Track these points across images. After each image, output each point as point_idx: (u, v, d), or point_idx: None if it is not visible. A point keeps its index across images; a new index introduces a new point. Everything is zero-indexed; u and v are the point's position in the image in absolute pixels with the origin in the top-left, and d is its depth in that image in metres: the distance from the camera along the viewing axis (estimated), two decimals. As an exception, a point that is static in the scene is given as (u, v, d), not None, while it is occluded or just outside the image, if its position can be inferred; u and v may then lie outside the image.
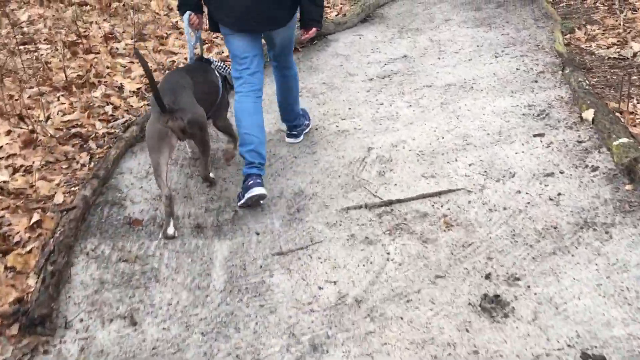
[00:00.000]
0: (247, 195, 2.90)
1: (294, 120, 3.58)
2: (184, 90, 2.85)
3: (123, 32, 5.96)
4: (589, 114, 3.27)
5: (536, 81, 4.22)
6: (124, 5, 6.83)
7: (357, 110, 4.24)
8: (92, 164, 3.33)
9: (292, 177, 3.36)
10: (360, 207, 3.00)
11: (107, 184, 3.22)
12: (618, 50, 4.35)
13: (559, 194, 2.78)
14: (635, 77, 3.85)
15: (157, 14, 6.59)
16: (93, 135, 3.65)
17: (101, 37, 5.72)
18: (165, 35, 5.87)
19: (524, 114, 3.71)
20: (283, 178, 3.36)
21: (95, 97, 4.18)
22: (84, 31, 5.96)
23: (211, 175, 3.22)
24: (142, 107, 4.20)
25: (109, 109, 4.01)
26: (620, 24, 4.97)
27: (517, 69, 4.59)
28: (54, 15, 6.45)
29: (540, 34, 5.42)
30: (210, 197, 3.19)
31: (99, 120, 3.87)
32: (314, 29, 3.03)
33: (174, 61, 5.20)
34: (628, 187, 2.63)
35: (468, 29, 6.04)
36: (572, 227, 2.58)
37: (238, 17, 2.87)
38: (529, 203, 2.78)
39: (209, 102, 3.12)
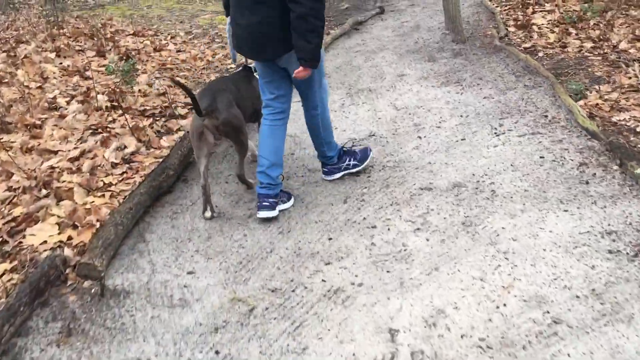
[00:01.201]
0: (257, 216, 3.09)
1: (323, 156, 3.40)
2: (223, 93, 3.06)
3: (-24, 122, 4.21)
4: None
5: (587, 182, 3.03)
6: (-21, 78, 5.05)
7: (341, 241, 2.85)
8: None
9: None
10: None
11: None
12: (672, 128, 3.27)
13: None
14: None
15: (27, 87, 4.88)
16: None
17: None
18: (38, 122, 4.19)
19: (610, 252, 2.47)
20: None
21: None
22: None
23: (249, 180, 3.38)
24: None
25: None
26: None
27: (540, 157, 3.40)
28: None
29: (537, 98, 4.31)
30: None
31: None
32: (306, 70, 2.75)
33: (53, 168, 3.56)
34: None
35: (435, 89, 4.86)
36: None
37: (240, 46, 2.95)
38: None
39: (250, 106, 3.36)
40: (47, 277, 2.47)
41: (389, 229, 2.92)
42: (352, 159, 3.45)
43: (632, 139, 3.33)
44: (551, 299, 2.26)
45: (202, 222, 3.14)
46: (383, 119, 4.39)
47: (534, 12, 6.68)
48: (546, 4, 6.88)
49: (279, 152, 3.09)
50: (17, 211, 3.09)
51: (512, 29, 6.30)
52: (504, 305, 2.27)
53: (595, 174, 3.08)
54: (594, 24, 5.84)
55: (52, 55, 5.93)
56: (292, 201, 3.25)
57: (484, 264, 2.53)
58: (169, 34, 7.39)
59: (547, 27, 6.05)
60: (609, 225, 2.63)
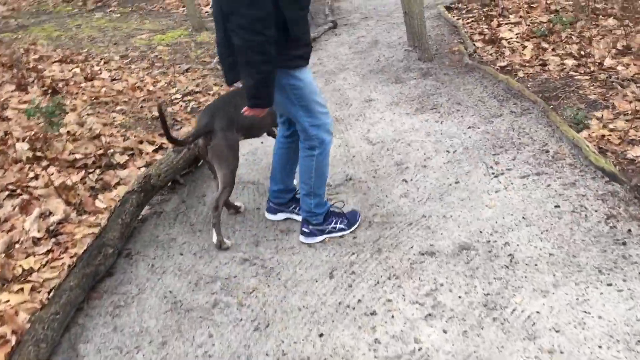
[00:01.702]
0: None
1: (307, 210, 2.84)
2: (226, 111, 2.84)
3: None
4: None
5: (623, 242, 2.53)
6: None
7: (336, 340, 2.24)
8: None
9: None
10: None
11: None
12: None
13: None
14: None
15: None
16: None
17: None
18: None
19: (686, 348, 1.94)
20: None
21: None
22: None
23: (237, 203, 3.22)
24: None
25: None
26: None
27: (555, 206, 2.88)
28: None
29: (530, 128, 3.83)
30: None
31: None
32: (252, 109, 2.40)
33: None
34: None
35: (410, 118, 4.32)
36: None
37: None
38: None
39: (260, 124, 3.11)
40: None
41: (393, 317, 2.33)
42: (339, 222, 2.85)
43: (660, 181, 2.85)
44: None
45: (153, 319, 2.45)
46: (358, 157, 3.81)
47: (499, 25, 6.27)
48: (510, 16, 6.49)
49: (277, 168, 2.95)
50: None
51: (479, 44, 5.86)
52: None
53: (630, 230, 2.58)
54: (567, 36, 5.46)
55: (-38, 91, 5.06)
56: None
57: (528, 371, 1.96)
58: (101, 59, 6.59)
59: (517, 42, 5.63)
60: (673, 308, 2.11)
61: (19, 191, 3.33)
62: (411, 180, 3.43)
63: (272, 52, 2.23)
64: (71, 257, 2.75)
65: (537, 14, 6.44)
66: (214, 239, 2.90)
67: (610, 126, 3.45)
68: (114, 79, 5.74)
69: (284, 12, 2.25)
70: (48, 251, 2.84)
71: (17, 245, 2.85)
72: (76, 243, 2.88)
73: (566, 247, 2.56)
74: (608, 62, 4.48)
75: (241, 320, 2.41)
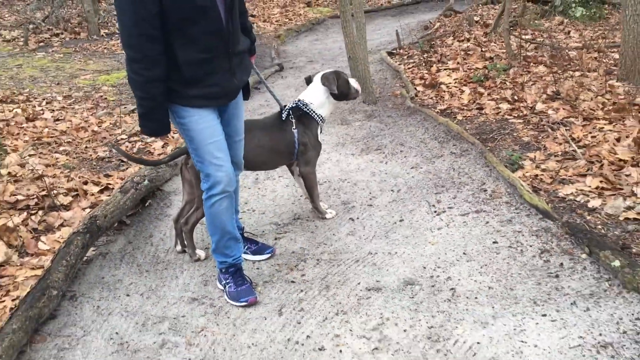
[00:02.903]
0: None
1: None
2: None
3: None
4: None
5: (556, 275, 2.68)
6: None
7: (287, 376, 2.25)
8: None
9: None
10: None
11: None
12: (628, 204, 3.04)
13: None
14: None
15: None
16: None
17: None
18: None
19: (614, 373, 2.08)
20: None
21: None
22: None
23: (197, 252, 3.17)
24: None
25: None
26: (574, 151, 3.77)
27: (494, 242, 3.04)
28: None
29: (469, 168, 4.02)
30: None
31: None
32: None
33: None
34: None
35: (356, 158, 4.47)
36: None
37: None
38: None
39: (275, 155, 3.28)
40: None
41: (341, 351, 2.38)
42: (231, 287, 2.78)
43: (588, 217, 3.05)
44: None
45: (99, 361, 2.40)
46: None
47: (438, 71, 6.59)
48: (449, 62, 6.83)
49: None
50: None
51: (420, 88, 6.13)
52: None
53: (562, 264, 2.75)
54: (501, 82, 5.79)
55: None
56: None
57: (470, 398, 2.04)
58: (44, 99, 6.50)
59: (455, 86, 5.93)
60: (600, 335, 2.26)
61: (-44, 234, 3.22)
62: (357, 218, 3.52)
63: (154, 90, 2.32)
64: (13, 300, 2.68)
65: (474, 60, 6.81)
66: (189, 252, 3.15)
67: (542, 166, 3.67)
68: (57, 120, 5.66)
69: (176, 53, 2.32)
70: (-12, 297, 2.75)
71: (-47, 289, 2.75)
72: (18, 286, 2.81)
73: (504, 281, 2.69)
74: (539, 106, 4.78)
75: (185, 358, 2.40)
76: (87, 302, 2.83)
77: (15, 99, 6.38)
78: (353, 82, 3.44)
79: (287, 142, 3.28)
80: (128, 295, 2.89)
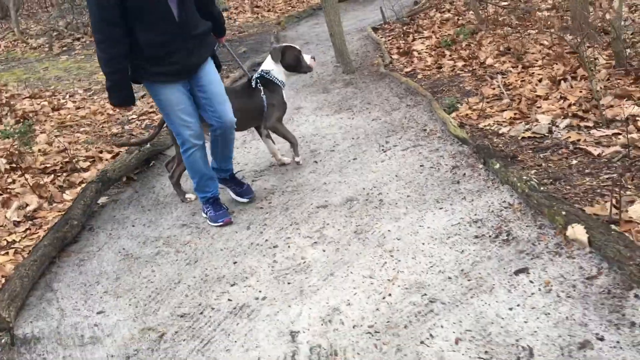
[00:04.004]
0: None
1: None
2: None
3: None
4: (579, 233, 2.44)
5: (457, 182, 3.40)
6: None
7: (246, 263, 3.04)
8: None
9: None
10: None
11: None
12: (527, 127, 3.72)
13: (625, 386, 1.84)
14: (575, 162, 3.18)
15: None
16: None
17: None
18: None
19: (476, 237, 2.81)
20: None
21: None
22: None
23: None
24: None
25: None
26: (502, 93, 4.44)
27: (420, 165, 3.76)
28: None
29: (417, 115, 4.73)
30: None
31: None
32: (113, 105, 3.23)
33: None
34: None
35: (329, 118, 5.21)
36: None
37: None
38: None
39: (249, 117, 3.93)
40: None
41: (289, 247, 3.14)
42: (208, 212, 3.56)
43: (495, 140, 3.75)
44: (428, 283, 2.54)
45: (110, 265, 3.24)
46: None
47: (414, 40, 7.26)
48: (425, 32, 7.49)
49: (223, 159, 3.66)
50: None
51: (395, 57, 6.82)
52: (389, 295, 2.53)
53: (465, 174, 3.46)
54: (466, 45, 6.43)
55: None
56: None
57: (373, 263, 2.80)
58: (67, 93, 7.40)
59: (426, 52, 6.60)
60: (475, 215, 2.98)
61: (0, 192, 4.10)
62: (320, 161, 4.28)
63: (118, 66, 2.91)
64: (45, 231, 3.53)
65: (447, 28, 7.44)
66: (180, 197, 3.94)
67: (474, 107, 4.36)
68: (78, 108, 6.55)
69: (138, 36, 2.88)
70: (26, 230, 3.61)
71: (1, 228, 3.62)
72: (48, 222, 3.66)
73: (420, 190, 3.42)
74: (489, 61, 5.44)
75: (177, 260, 3.21)
76: (101, 231, 3.67)
77: (42, 95, 7.31)
78: (306, 59, 4.02)
79: (257, 106, 3.97)
80: (133, 226, 3.72)
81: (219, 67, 3.50)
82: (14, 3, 13.50)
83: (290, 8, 13.45)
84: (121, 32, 2.86)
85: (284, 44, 4.12)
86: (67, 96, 7.22)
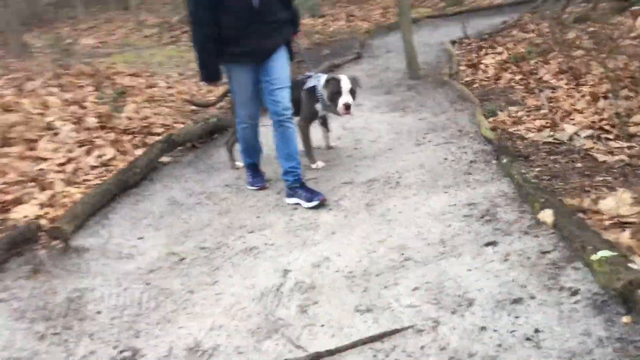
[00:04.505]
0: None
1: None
2: None
3: (-16, 137, 4.98)
4: (547, 216, 2.70)
5: (470, 173, 3.70)
6: (-10, 105, 5.86)
7: (267, 219, 3.51)
8: None
9: (186, 322, 2.52)
10: (279, 365, 2.20)
11: None
12: (551, 133, 3.94)
13: (537, 331, 2.11)
14: (579, 165, 3.39)
15: (30, 113, 5.67)
16: None
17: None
18: (35, 137, 4.96)
19: (465, 216, 3.11)
20: (173, 325, 2.50)
21: None
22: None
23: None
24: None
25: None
26: (543, 104, 4.64)
27: (444, 158, 4.07)
28: None
29: (460, 118, 5.02)
30: None
31: None
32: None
33: (42, 169, 4.29)
34: (625, 319, 2.01)
35: (382, 115, 5.59)
36: (564, 379, 1.91)
37: None
38: (500, 346, 2.09)
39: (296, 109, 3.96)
40: (23, 235, 3.15)
41: (307, 210, 3.58)
42: (250, 177, 4.03)
43: (517, 142, 3.99)
44: (410, 246, 2.89)
45: (158, 207, 3.83)
46: (331, 136, 5.10)
47: (485, 54, 7.47)
48: (499, 48, 7.67)
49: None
50: (7, 197, 3.80)
51: (462, 68, 7.07)
52: (374, 252, 2.91)
53: (478, 167, 3.75)
54: (534, 62, 6.57)
55: (56, 90, 6.78)
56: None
57: (371, 228, 3.18)
58: (164, 75, 8.27)
59: (492, 66, 6.80)
60: (472, 199, 3.28)
61: (86, 144, 4.85)
62: (359, 148, 4.69)
63: (207, 45, 3.38)
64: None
65: (522, 46, 7.59)
66: (230, 164, 4.43)
67: (512, 115, 4.60)
68: (169, 87, 7.35)
69: (220, 19, 3.30)
70: (99, 173, 4.30)
71: (80, 169, 4.33)
72: (118, 169, 4.33)
73: (434, 177, 3.75)
74: (546, 77, 5.61)
75: (212, 210, 3.74)
76: (159, 182, 4.29)
77: (141, 74, 8.21)
78: (343, 100, 3.94)
79: (297, 100, 4.02)
80: (186, 182, 4.30)
81: (291, 57, 3.79)
82: (135, -4, 14.95)
83: (384, 19, 13.88)
84: (211, 15, 3.30)
85: (336, 76, 4.09)
86: (163, 77, 8.06)
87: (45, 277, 2.94)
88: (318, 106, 4.17)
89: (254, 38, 3.39)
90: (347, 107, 3.95)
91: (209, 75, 3.55)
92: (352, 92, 3.99)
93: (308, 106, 4.16)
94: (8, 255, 3.03)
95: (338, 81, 3.97)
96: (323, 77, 4.10)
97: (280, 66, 3.56)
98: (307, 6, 13.55)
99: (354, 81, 4.02)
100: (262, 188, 4.01)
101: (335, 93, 3.95)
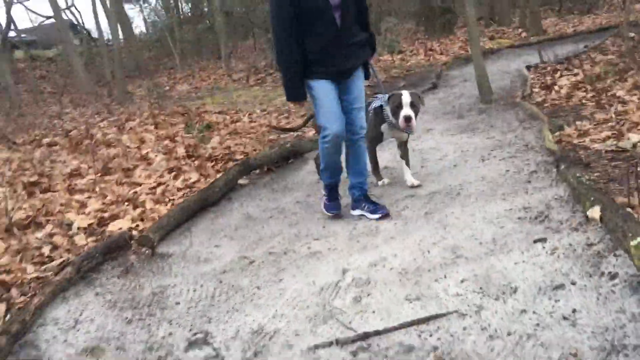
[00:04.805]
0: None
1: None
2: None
3: (89, 168, 5.63)
4: (595, 212, 2.76)
5: (529, 182, 3.77)
6: (95, 142, 6.60)
7: (332, 228, 3.75)
8: (8, 316, 2.77)
9: (252, 311, 2.79)
10: (331, 343, 2.40)
11: (22, 340, 2.65)
12: (615, 142, 3.94)
13: (574, 311, 2.19)
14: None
15: (128, 147, 6.32)
16: (19, 281, 3.13)
17: (64, 174, 5.38)
18: (131, 167, 5.54)
19: (519, 218, 3.20)
20: (241, 314, 2.78)
21: (37, 238, 3.71)
22: (49, 170, 5.64)
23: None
24: (87, 244, 3.73)
25: (47, 249, 3.53)
26: (611, 117, 4.62)
27: (506, 170, 4.16)
28: (19, 157, 6.18)
29: (527, 135, 5.08)
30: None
31: (32, 263, 3.38)
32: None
33: (136, 192, 4.80)
34: (659, 296, 2.06)
35: (452, 136, 5.73)
36: (597, 353, 1.98)
37: None
38: (538, 325, 2.19)
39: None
40: (116, 243, 3.59)
41: (369, 220, 3.79)
42: (324, 194, 3.96)
43: (580, 152, 4.02)
44: (462, 246, 3.03)
45: (234, 221, 4.18)
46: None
47: (561, 76, 7.43)
48: (574, 69, 7.61)
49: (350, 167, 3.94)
50: (105, 215, 4.31)
51: (536, 90, 7.08)
52: (428, 252, 3.07)
53: (539, 177, 3.81)
54: (611, 81, 6.48)
55: (152, 127, 7.49)
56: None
57: (427, 232, 3.34)
58: (247, 112, 8.85)
59: (566, 86, 6.77)
60: (528, 204, 3.35)
61: (175, 170, 5.35)
62: (425, 166, 4.86)
63: (292, 67, 3.43)
64: (196, 195, 4.61)
65: (600, 67, 7.49)
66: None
67: (579, 128, 4.61)
68: (252, 122, 7.87)
69: (305, 42, 3.50)
70: (184, 194, 4.75)
71: (168, 191, 4.81)
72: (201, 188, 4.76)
73: (494, 188, 3.85)
74: (620, 93, 5.55)
75: (282, 222, 4.04)
76: (236, 201, 4.66)
77: (228, 112, 8.84)
78: (403, 112, 3.95)
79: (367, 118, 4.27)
80: (261, 200, 4.65)
81: (367, 76, 3.84)
82: (225, 46, 16.06)
83: (462, 52, 13.99)
84: (294, 40, 3.38)
85: (397, 91, 4.13)
86: (247, 114, 8.64)
87: (133, 277, 3.33)
88: (384, 127, 4.24)
89: (336, 59, 3.50)
90: (407, 119, 3.90)
91: (295, 95, 3.60)
92: (413, 106, 3.96)
93: (373, 125, 4.22)
94: (103, 259, 3.45)
95: (399, 95, 3.98)
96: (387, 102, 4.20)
97: (358, 86, 3.67)
98: (386, 43, 13.93)
99: (415, 96, 4.05)
100: (337, 216, 3.96)
101: (397, 107, 3.96)
